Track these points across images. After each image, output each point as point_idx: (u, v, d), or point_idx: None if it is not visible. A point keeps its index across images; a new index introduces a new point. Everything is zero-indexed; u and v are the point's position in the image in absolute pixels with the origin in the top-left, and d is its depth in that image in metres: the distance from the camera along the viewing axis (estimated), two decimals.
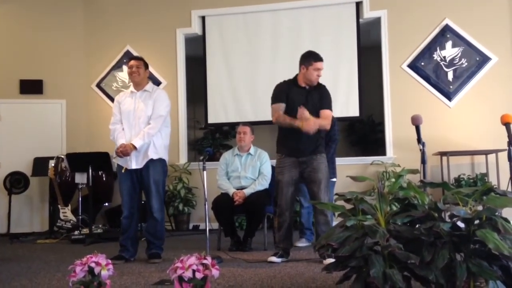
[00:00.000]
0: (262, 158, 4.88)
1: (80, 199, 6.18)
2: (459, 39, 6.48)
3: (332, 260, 3.66)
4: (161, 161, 4.14)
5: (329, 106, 3.94)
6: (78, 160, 5.87)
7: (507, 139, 3.51)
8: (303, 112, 3.68)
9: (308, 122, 3.65)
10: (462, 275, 2.09)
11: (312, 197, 3.96)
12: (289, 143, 3.94)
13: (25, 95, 7.29)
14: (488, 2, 6.44)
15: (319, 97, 3.93)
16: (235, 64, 7.14)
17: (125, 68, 7.30)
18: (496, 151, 5.82)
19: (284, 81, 4.07)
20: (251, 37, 7.12)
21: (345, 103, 6.79)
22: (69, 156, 5.98)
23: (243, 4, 7.12)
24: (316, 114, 3.81)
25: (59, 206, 6.28)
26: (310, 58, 3.92)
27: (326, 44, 6.86)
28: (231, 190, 4.73)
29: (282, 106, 3.90)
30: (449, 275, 2.13)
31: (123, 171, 4.06)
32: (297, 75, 4.02)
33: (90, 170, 5.72)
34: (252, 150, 4.94)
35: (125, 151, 3.96)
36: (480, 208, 2.26)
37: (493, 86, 6.35)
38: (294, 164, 3.90)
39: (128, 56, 7.24)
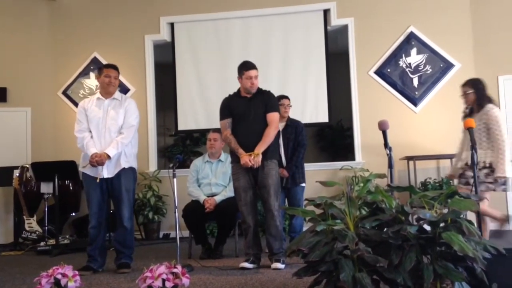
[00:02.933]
0: None
1: (46, 209, 6.03)
2: (423, 46, 6.65)
3: (280, 265, 3.76)
4: (131, 169, 4.12)
5: (273, 109, 4.07)
6: (43, 169, 5.72)
7: (470, 143, 3.62)
8: (246, 163, 3.88)
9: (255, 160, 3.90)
10: (429, 277, 2.14)
11: (263, 203, 4.06)
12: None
13: None
14: (451, 11, 6.64)
15: (263, 103, 4.06)
16: (204, 70, 7.13)
17: (92, 75, 7.18)
18: None
19: (229, 95, 4.24)
20: (220, 44, 7.12)
21: (314, 109, 6.87)
22: (35, 165, 5.83)
23: (213, 11, 7.11)
24: (260, 120, 4.01)
25: (24, 216, 6.11)
26: (241, 69, 4.07)
27: (295, 51, 6.94)
28: (202, 197, 4.71)
29: (228, 121, 4.11)
30: (416, 277, 2.18)
31: (97, 181, 3.99)
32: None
33: (56, 179, 5.59)
34: (222, 157, 4.93)
35: (100, 161, 3.91)
36: (445, 211, 2.32)
37: (456, 92, 6.42)
38: (247, 169, 3.95)
39: (95, 63, 7.14)
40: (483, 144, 3.93)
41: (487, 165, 3.91)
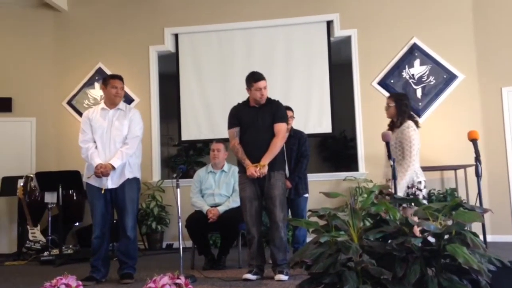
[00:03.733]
0: (235, 175, 4.86)
1: (50, 219, 6.03)
2: (426, 58, 6.66)
3: (283, 276, 3.74)
4: (135, 179, 4.14)
5: (281, 119, 4.06)
6: (47, 179, 5.74)
7: (474, 155, 3.62)
8: (252, 174, 3.89)
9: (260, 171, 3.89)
10: None
11: (268, 214, 4.04)
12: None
13: None
14: (454, 22, 6.66)
15: (271, 113, 4.05)
16: (208, 81, 7.16)
17: (97, 85, 7.22)
18: (464, 167, 5.96)
19: (238, 104, 4.24)
20: (224, 55, 7.16)
21: (318, 119, 6.88)
22: (39, 175, 5.85)
23: (216, 22, 7.16)
24: (268, 130, 4.00)
25: (28, 226, 6.12)
26: (250, 80, 4.07)
27: (298, 62, 6.96)
28: (205, 208, 4.71)
29: (236, 130, 4.10)
30: None
31: (102, 192, 3.99)
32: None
33: (60, 189, 5.60)
34: (226, 167, 4.93)
35: (105, 172, 3.92)
36: (449, 223, 2.31)
37: (460, 103, 6.54)
38: (254, 179, 3.95)
39: (100, 74, 7.19)
40: (400, 162, 3.81)
41: None
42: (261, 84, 4.01)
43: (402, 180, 3.70)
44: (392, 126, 4.01)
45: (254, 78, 4.04)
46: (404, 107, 3.95)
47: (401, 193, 3.67)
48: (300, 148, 4.89)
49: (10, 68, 7.26)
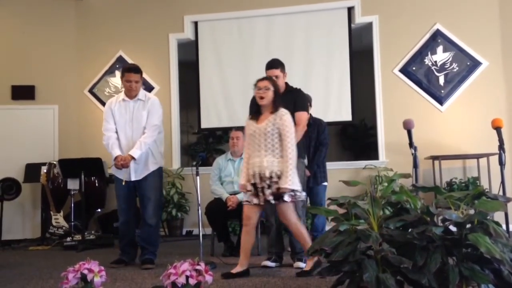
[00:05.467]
0: None
1: (72, 205, 6.15)
2: (450, 44, 6.53)
3: (302, 264, 3.73)
4: (159, 169, 4.18)
5: (302, 108, 4.00)
6: (70, 166, 5.84)
7: (498, 143, 3.55)
8: None
9: None
10: (455, 279, 2.10)
11: None
12: None
13: (17, 101, 7.26)
14: (479, 7, 6.50)
15: (292, 101, 3.98)
16: (228, 69, 7.16)
17: (117, 73, 7.28)
18: (487, 155, 5.86)
19: None
20: (244, 42, 7.14)
21: (338, 107, 6.82)
22: (62, 162, 5.95)
23: (236, 10, 7.13)
24: None
25: (51, 212, 6.24)
26: (265, 68, 4.06)
27: (318, 49, 6.90)
28: (225, 195, 4.73)
29: None
30: (441, 279, 2.14)
31: (123, 183, 4.05)
32: None
33: (83, 176, 5.69)
34: None
35: (125, 164, 3.96)
36: (471, 212, 2.28)
37: (484, 91, 6.41)
38: None
39: (121, 62, 7.24)
40: (276, 152, 3.53)
41: (278, 175, 3.49)
42: (270, 72, 3.98)
43: (293, 169, 3.46)
44: (258, 114, 3.68)
45: (266, 66, 4.05)
46: (279, 92, 3.69)
47: (296, 184, 3.47)
48: (319, 136, 4.87)
49: (33, 57, 7.37)
